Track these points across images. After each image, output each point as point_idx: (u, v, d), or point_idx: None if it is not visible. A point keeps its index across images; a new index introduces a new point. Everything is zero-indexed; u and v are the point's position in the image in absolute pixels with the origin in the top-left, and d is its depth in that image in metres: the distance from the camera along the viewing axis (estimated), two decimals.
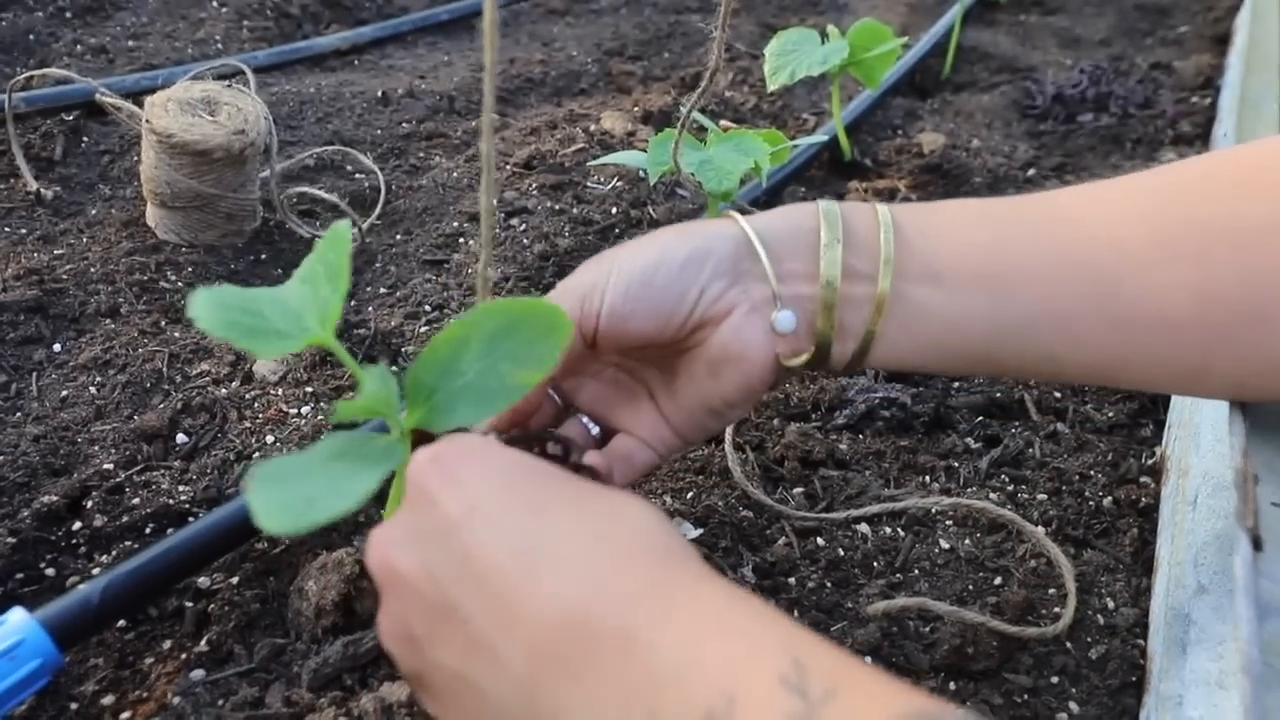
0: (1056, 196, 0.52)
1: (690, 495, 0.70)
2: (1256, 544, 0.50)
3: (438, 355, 0.45)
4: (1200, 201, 0.48)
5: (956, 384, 0.83)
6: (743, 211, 0.53)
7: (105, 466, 0.71)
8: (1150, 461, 0.75)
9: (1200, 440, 0.66)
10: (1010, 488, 0.73)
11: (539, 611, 0.33)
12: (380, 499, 0.65)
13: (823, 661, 0.32)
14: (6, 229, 1.02)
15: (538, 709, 0.33)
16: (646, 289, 0.49)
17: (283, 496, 0.38)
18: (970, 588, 0.64)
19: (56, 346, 0.85)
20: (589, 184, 1.13)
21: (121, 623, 0.62)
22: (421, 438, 0.48)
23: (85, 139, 1.21)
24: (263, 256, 1.01)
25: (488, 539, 0.35)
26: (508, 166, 1.18)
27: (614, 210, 1.07)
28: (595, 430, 0.57)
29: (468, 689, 0.36)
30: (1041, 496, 0.72)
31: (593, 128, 1.27)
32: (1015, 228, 0.50)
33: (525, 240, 1.00)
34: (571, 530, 0.35)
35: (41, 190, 1.08)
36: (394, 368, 0.83)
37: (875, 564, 0.65)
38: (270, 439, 0.74)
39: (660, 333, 0.51)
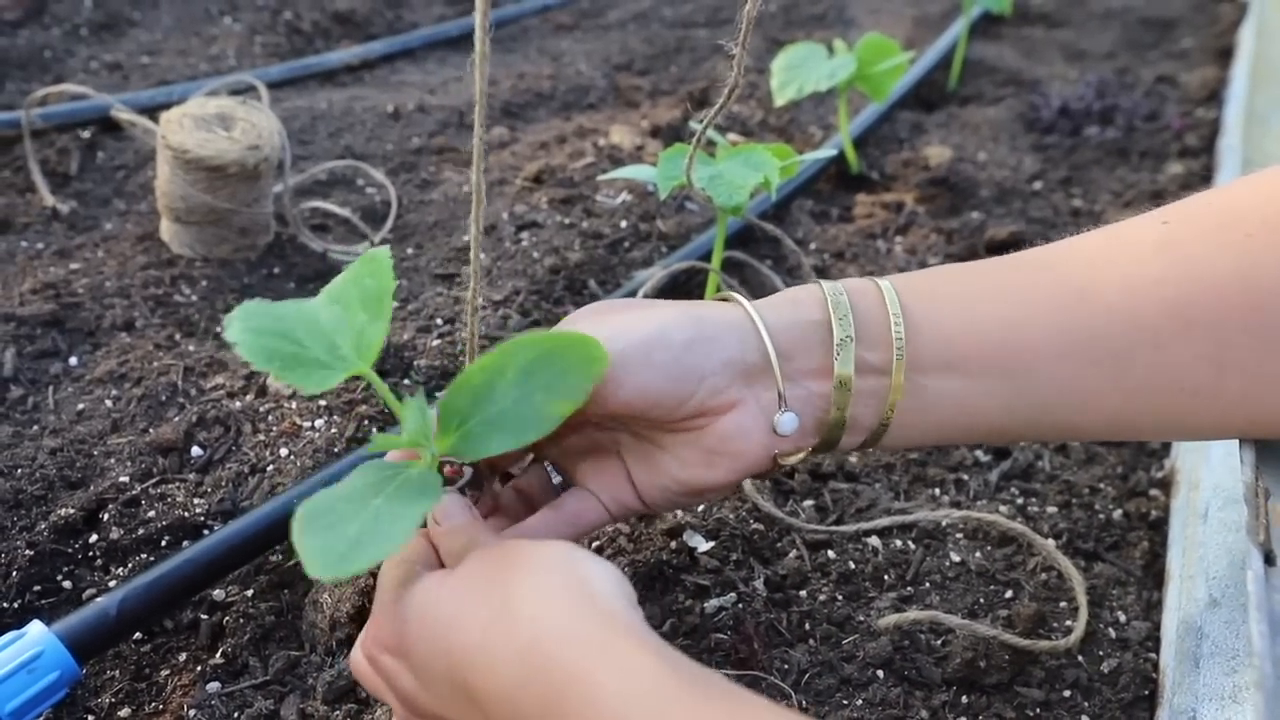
0: (1067, 257, 0.51)
1: (701, 508, 0.70)
2: (1269, 559, 0.50)
3: (472, 383, 0.45)
4: (1211, 259, 0.47)
5: None
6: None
7: (121, 479, 0.72)
8: (1160, 474, 0.75)
9: (1211, 453, 0.66)
10: (1020, 500, 0.73)
11: None
12: None
13: None
14: (23, 244, 1.03)
15: None
16: (642, 364, 0.47)
17: (328, 541, 0.39)
18: (981, 601, 0.64)
19: (73, 360, 0.86)
20: (598, 198, 1.14)
21: (138, 635, 0.62)
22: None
23: (101, 154, 1.22)
24: (275, 270, 1.02)
25: (440, 705, 0.43)
26: (517, 180, 1.19)
27: (623, 224, 1.08)
28: (557, 480, 0.56)
29: None
30: (1051, 509, 0.72)
31: (601, 142, 1.28)
32: (1029, 304, 0.49)
33: (535, 254, 1.01)
34: (483, 666, 0.40)
35: (57, 205, 1.09)
36: (405, 380, 0.84)
37: (886, 577, 0.65)
38: (284, 452, 0.75)
39: (649, 410, 0.49)
